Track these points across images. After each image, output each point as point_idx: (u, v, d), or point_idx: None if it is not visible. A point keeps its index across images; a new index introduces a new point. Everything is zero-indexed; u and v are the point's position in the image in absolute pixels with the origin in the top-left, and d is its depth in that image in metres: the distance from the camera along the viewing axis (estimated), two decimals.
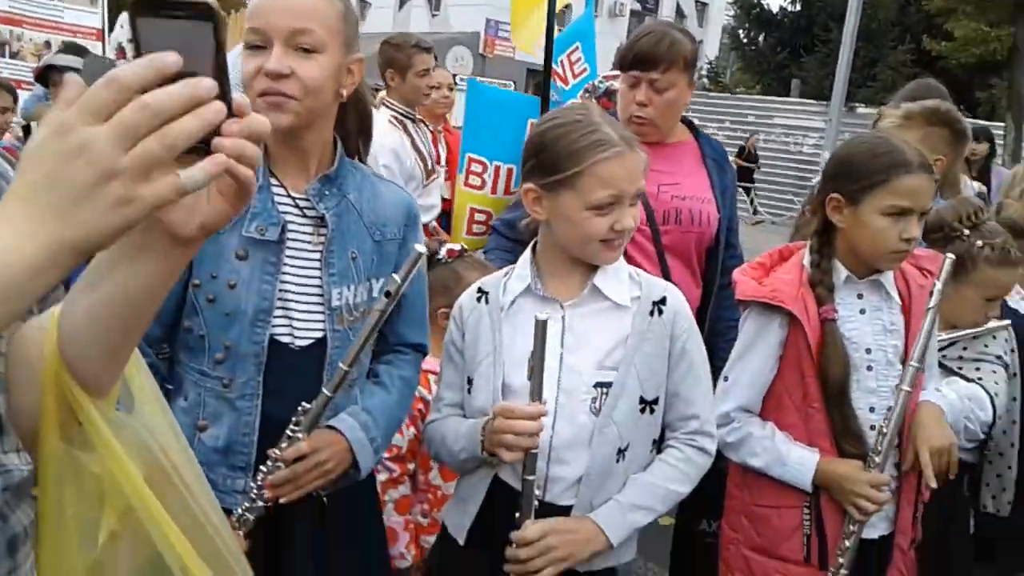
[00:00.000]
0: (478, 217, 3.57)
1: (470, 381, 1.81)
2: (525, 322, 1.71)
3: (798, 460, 2.04)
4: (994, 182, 5.91)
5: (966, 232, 2.40)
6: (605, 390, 1.73)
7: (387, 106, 3.89)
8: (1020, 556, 2.68)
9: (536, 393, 1.61)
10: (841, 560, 1.99)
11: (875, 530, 2.06)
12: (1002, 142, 11.94)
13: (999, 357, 2.48)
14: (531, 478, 1.64)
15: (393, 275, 1.66)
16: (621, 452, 1.74)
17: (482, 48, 28.96)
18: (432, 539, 2.36)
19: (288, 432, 1.66)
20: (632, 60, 2.57)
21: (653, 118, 2.57)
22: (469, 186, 3.67)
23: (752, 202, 16.91)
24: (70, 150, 0.72)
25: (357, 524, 1.90)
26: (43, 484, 0.96)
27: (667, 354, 1.78)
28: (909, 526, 2.10)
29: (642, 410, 1.75)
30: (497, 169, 3.69)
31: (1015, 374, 2.50)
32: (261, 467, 1.66)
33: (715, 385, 2.01)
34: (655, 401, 1.77)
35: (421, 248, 1.66)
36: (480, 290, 1.85)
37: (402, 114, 3.92)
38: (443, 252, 2.54)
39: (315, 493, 1.74)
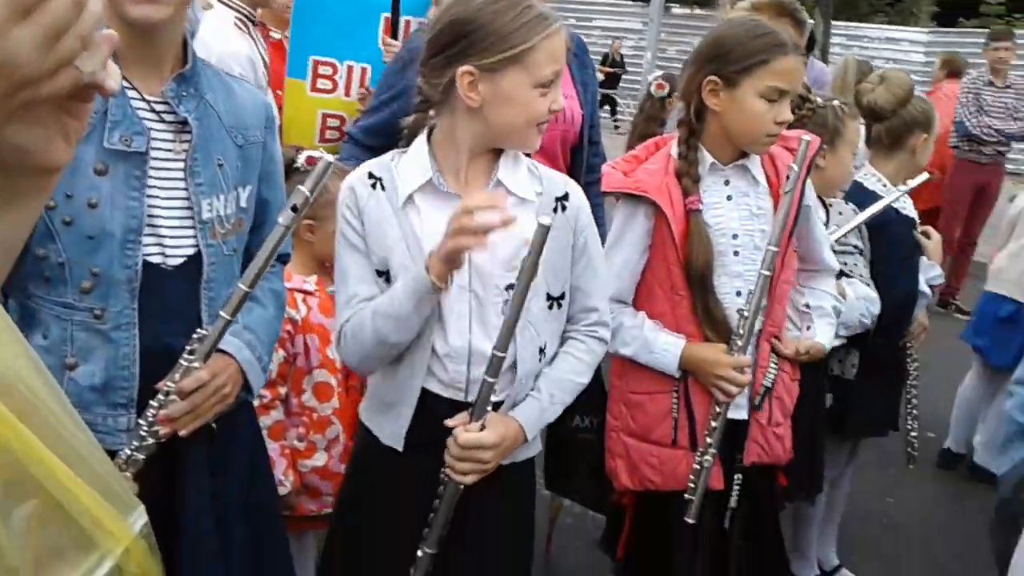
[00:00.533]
0: (331, 123, 3.33)
1: (385, 274, 1.69)
2: (429, 218, 1.66)
3: (664, 346, 2.09)
4: (808, 75, 6.21)
5: (818, 100, 2.52)
6: None
7: (227, 4, 3.37)
8: (865, 424, 2.91)
9: (517, 306, 1.59)
10: (709, 440, 2.06)
11: (742, 411, 2.14)
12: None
13: (856, 246, 2.66)
14: (491, 380, 1.62)
15: (300, 187, 1.53)
16: (542, 351, 1.75)
17: None
18: (309, 463, 2.29)
19: (182, 361, 1.55)
20: None
21: None
22: (318, 91, 3.39)
23: (615, 112, 16.78)
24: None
25: (244, 449, 1.82)
26: None
27: (571, 249, 1.76)
28: (765, 400, 2.18)
29: (550, 307, 1.75)
30: (350, 69, 3.43)
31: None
32: (151, 402, 1.54)
33: None
34: (561, 297, 1.76)
35: (330, 157, 1.54)
36: (371, 175, 1.71)
37: (246, 16, 3.41)
38: (301, 160, 2.39)
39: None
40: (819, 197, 2.63)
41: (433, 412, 1.70)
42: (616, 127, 14.64)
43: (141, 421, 1.55)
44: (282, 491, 2.18)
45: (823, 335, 2.32)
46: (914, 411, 2.94)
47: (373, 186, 1.70)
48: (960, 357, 4.55)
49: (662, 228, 2.07)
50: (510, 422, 1.71)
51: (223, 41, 3.14)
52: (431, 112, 1.73)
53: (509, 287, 1.65)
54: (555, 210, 1.74)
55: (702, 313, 2.08)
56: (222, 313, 1.55)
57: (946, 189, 6.90)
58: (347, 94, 3.39)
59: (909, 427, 2.96)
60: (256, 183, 1.72)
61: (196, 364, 1.56)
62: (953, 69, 7.43)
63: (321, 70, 3.39)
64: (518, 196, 1.71)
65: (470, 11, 1.60)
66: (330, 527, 1.95)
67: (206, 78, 1.64)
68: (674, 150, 2.14)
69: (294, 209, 1.52)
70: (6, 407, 0.89)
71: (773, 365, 2.20)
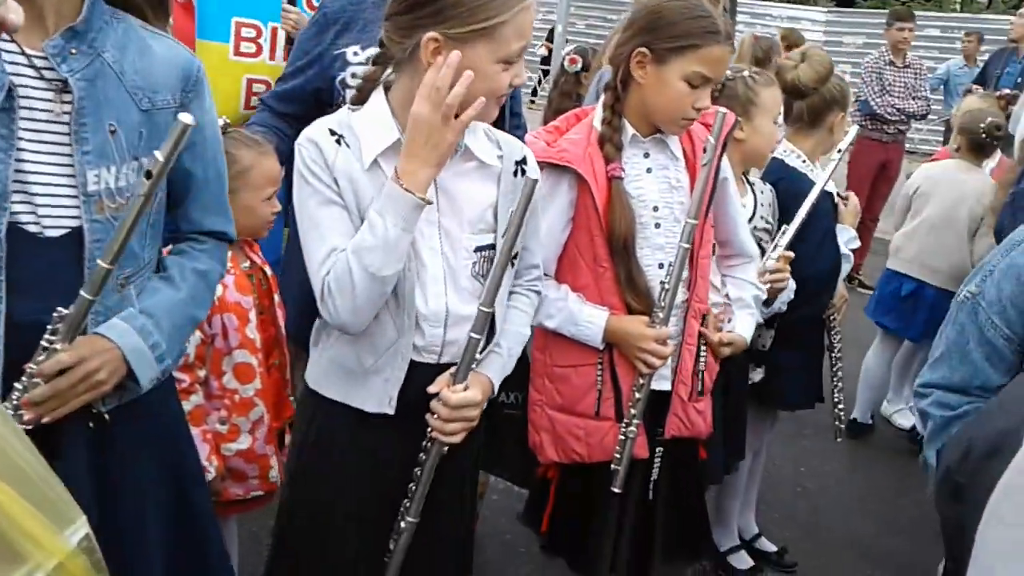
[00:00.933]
0: (256, 88, 3.12)
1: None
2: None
3: (588, 318, 2.08)
4: None
5: (728, 73, 2.52)
6: (484, 253, 1.70)
7: None
8: (790, 397, 2.96)
9: (504, 262, 1.63)
10: (633, 411, 2.07)
11: (665, 382, 2.16)
12: None
13: (766, 229, 2.71)
14: (477, 336, 1.64)
15: (155, 152, 1.40)
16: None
17: None
18: (233, 446, 2.20)
19: (43, 343, 1.41)
20: None
21: None
22: (242, 54, 3.19)
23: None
24: None
25: (159, 434, 1.69)
26: None
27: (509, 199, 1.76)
28: (690, 377, 2.20)
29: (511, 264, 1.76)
30: (274, 31, 3.27)
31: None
32: (15, 384, 1.40)
33: None
34: (515, 256, 1.76)
35: (188, 118, 1.40)
36: (332, 131, 1.62)
37: None
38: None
39: (93, 409, 1.51)
40: (744, 176, 2.66)
41: (409, 377, 1.69)
42: (532, 102, 14.62)
43: (6, 404, 1.40)
44: (208, 476, 2.09)
45: (744, 328, 2.35)
46: (839, 383, 2.98)
47: (337, 142, 1.61)
48: (865, 331, 4.71)
49: (585, 198, 2.05)
50: (483, 378, 1.73)
51: None
52: (388, 68, 1.67)
53: (478, 249, 1.68)
54: (515, 173, 1.74)
55: (625, 283, 2.07)
56: (82, 292, 1.42)
57: (849, 167, 7.11)
58: (271, 58, 3.21)
59: (836, 400, 3.01)
60: None
61: (58, 346, 1.43)
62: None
63: (244, 32, 3.20)
64: (482, 161, 1.70)
65: None
66: (283, 502, 1.88)
67: (113, 33, 1.50)
68: (597, 119, 2.12)
69: (147, 175, 1.40)
70: None
71: (703, 347, 2.23)
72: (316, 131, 1.63)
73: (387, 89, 1.68)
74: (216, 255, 1.73)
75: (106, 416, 1.54)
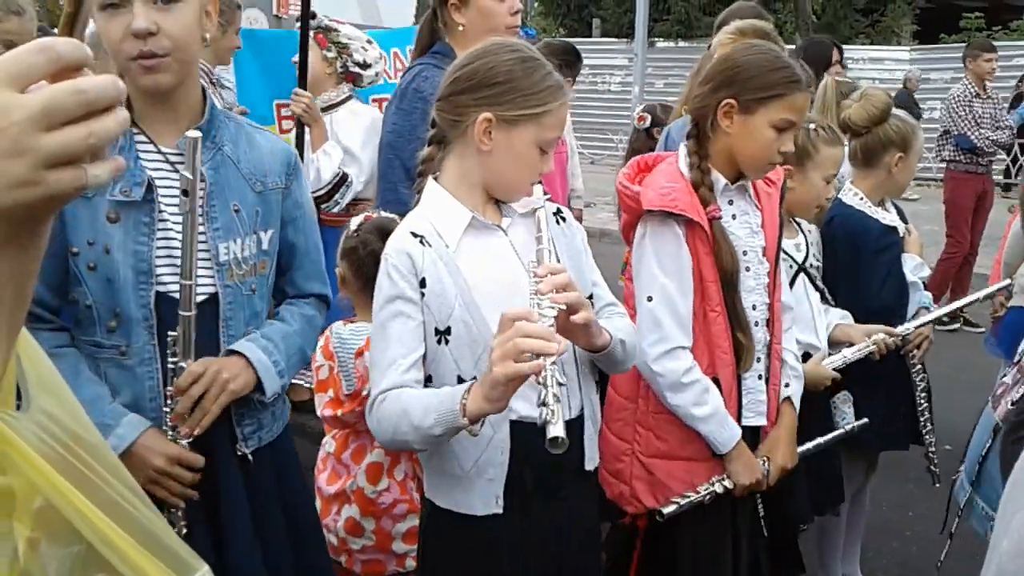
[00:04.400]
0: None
1: (443, 332, 1.70)
2: (477, 254, 1.72)
3: (731, 433, 2.13)
4: None
5: None
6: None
7: None
8: (876, 438, 2.89)
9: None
10: None
11: (761, 418, 2.24)
12: None
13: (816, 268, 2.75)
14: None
15: (182, 172, 1.57)
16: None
17: (275, 9, 27.83)
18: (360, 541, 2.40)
19: (170, 365, 1.64)
20: None
21: None
22: (284, 131, 3.64)
23: None
24: None
25: (283, 480, 1.88)
26: None
27: (581, 255, 1.86)
28: (775, 415, 2.28)
29: None
30: (278, 107, 3.74)
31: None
32: (165, 409, 1.65)
33: None
34: (590, 298, 1.81)
35: (194, 133, 1.57)
36: (413, 233, 1.73)
37: (206, 72, 3.64)
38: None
39: (239, 450, 1.74)
40: (793, 219, 2.67)
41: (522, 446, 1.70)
42: (592, 162, 14.78)
43: (167, 431, 1.65)
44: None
45: (794, 393, 2.35)
46: (928, 425, 2.90)
47: (421, 243, 1.72)
48: (975, 370, 4.55)
49: (695, 243, 2.11)
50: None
51: None
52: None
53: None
54: (556, 222, 1.84)
55: (735, 320, 2.13)
56: (180, 312, 1.62)
57: (948, 204, 6.95)
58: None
59: (927, 442, 2.91)
60: (279, 227, 1.81)
61: (183, 364, 1.64)
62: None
63: (284, 112, 3.66)
64: (524, 213, 1.80)
65: (501, 64, 1.70)
66: None
67: (226, 130, 1.74)
68: (683, 165, 2.19)
69: (184, 193, 1.57)
70: (64, 475, 0.92)
71: (786, 383, 2.29)
72: (400, 239, 1.73)
73: (434, 177, 1.79)
74: (317, 307, 1.94)
75: (249, 457, 1.75)
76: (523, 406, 1.68)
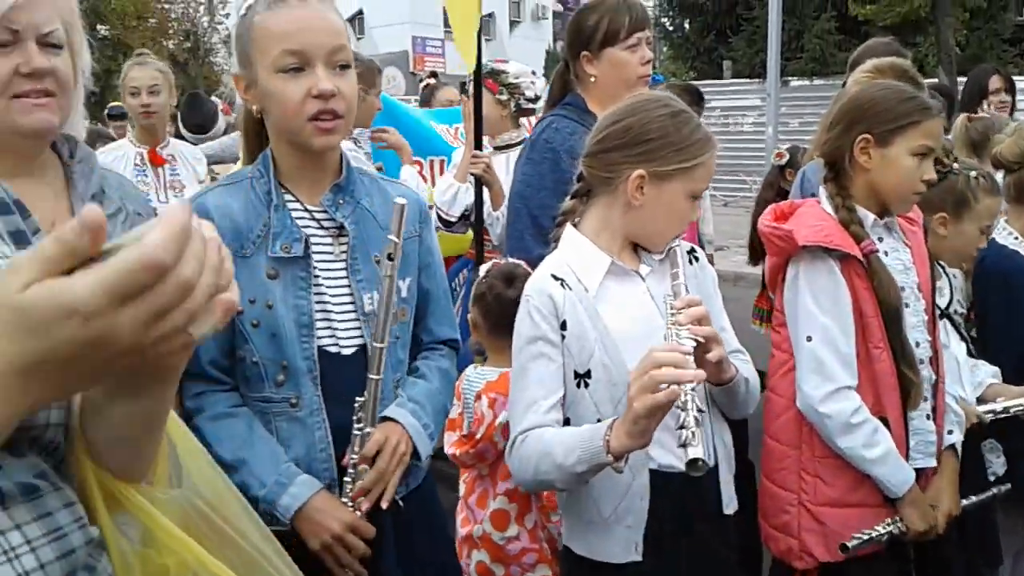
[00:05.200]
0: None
1: (582, 375, 1.72)
2: (616, 298, 1.75)
3: (906, 476, 2.06)
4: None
5: (955, 166, 2.47)
6: None
7: None
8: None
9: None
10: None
11: (931, 459, 2.17)
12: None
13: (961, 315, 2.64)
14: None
15: (389, 236, 1.66)
16: None
17: (412, 66, 28.91)
18: None
19: (355, 432, 1.69)
20: (637, 21, 2.58)
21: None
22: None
23: None
24: (94, 339, 0.66)
25: (428, 527, 1.92)
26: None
27: (712, 298, 1.86)
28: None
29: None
30: (432, 162, 4.10)
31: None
32: (345, 479, 1.69)
33: None
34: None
35: (400, 199, 1.69)
36: (554, 276, 1.78)
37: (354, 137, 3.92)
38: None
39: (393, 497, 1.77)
40: (937, 261, 2.55)
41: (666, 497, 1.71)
42: (725, 204, 14.54)
43: (343, 499, 1.68)
44: None
45: (956, 442, 2.26)
46: None
47: (561, 286, 1.76)
48: None
49: (852, 279, 2.07)
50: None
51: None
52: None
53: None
54: (690, 262, 1.85)
55: (901, 356, 2.06)
56: (369, 375, 1.68)
57: None
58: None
59: None
60: (416, 274, 1.87)
61: (368, 430, 1.68)
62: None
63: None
64: (661, 258, 1.82)
65: (654, 120, 1.74)
66: None
67: (362, 185, 1.82)
68: (827, 207, 2.16)
69: (389, 257, 1.64)
70: (201, 538, 0.97)
71: (949, 430, 2.22)
72: (541, 281, 1.78)
73: (574, 224, 1.83)
74: (451, 358, 1.98)
75: (400, 503, 1.78)
76: (662, 454, 1.70)
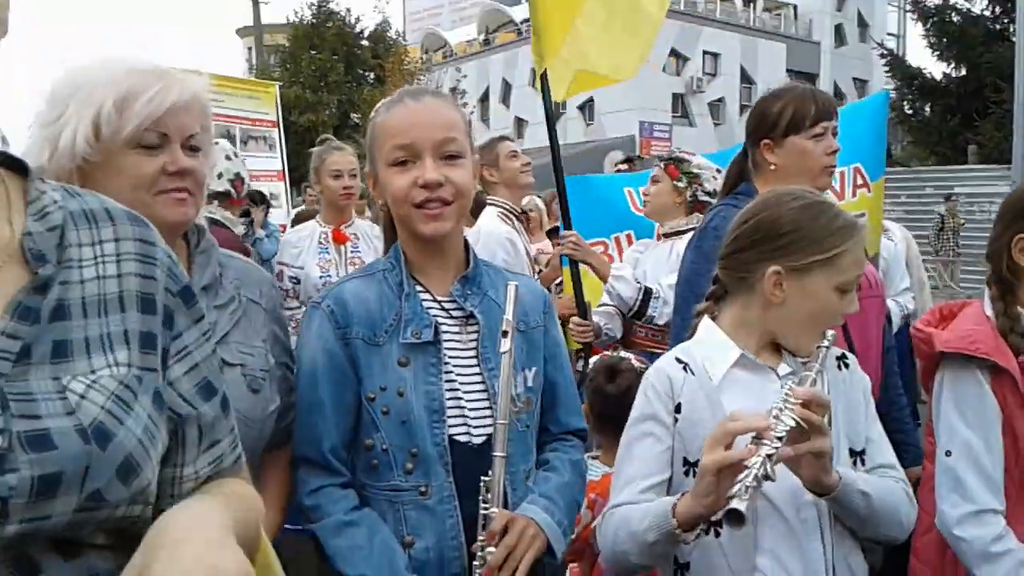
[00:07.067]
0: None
1: (692, 463, 1.68)
2: (743, 391, 1.70)
3: None
4: None
5: None
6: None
7: (491, 203, 3.98)
8: None
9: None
10: None
11: None
12: None
13: None
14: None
15: (505, 316, 1.70)
16: None
17: (638, 150, 29.34)
18: None
19: (481, 511, 1.67)
20: (823, 110, 2.48)
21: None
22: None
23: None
24: None
25: None
26: None
27: (861, 407, 1.76)
28: None
29: (853, 463, 1.72)
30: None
31: None
32: (474, 563, 1.65)
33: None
34: (863, 452, 1.74)
35: (513, 282, 1.74)
36: (678, 359, 1.78)
37: (507, 209, 3.96)
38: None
39: None
40: None
41: None
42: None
43: None
44: None
45: None
46: None
47: (684, 369, 1.75)
48: None
49: (1004, 393, 1.90)
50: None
51: (488, 224, 3.80)
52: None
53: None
54: (839, 368, 1.78)
55: None
56: (494, 454, 1.66)
57: None
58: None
59: None
60: (542, 364, 1.88)
61: (494, 510, 1.66)
62: None
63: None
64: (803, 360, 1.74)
65: (785, 214, 1.70)
66: None
67: (488, 277, 1.88)
68: (987, 308, 2.02)
69: (504, 334, 1.67)
70: None
71: None
72: (664, 362, 1.80)
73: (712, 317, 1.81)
74: (581, 449, 1.96)
75: None
76: (773, 567, 1.63)
